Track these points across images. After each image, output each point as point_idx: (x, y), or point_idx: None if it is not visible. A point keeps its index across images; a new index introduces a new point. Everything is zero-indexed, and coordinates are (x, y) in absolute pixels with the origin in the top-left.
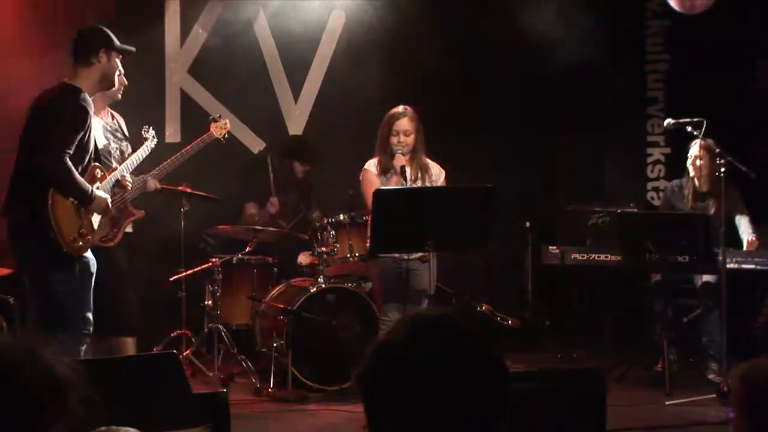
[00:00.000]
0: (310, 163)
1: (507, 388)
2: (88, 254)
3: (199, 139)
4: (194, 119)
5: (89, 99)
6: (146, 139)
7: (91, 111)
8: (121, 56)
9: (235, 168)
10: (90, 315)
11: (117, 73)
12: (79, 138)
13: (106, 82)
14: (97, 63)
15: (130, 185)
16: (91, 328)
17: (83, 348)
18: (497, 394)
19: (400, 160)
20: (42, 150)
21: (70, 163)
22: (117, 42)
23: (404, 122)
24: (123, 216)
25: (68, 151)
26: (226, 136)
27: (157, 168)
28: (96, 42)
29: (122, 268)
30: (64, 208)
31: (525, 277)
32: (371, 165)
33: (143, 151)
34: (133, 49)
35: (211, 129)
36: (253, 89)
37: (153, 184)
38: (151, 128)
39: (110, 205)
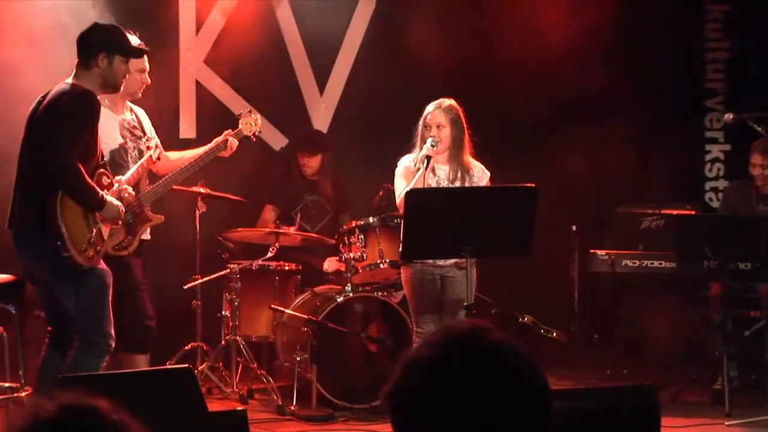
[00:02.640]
0: (318, 155)
1: (548, 409)
2: (102, 265)
3: (221, 138)
4: (211, 113)
5: (98, 100)
6: (149, 147)
7: (99, 113)
8: (128, 59)
9: (255, 166)
10: (111, 330)
11: (123, 76)
12: (86, 141)
13: (108, 87)
14: (96, 67)
15: (132, 196)
16: (113, 344)
17: (102, 365)
18: (538, 415)
19: (428, 150)
20: (52, 153)
21: (80, 167)
22: (125, 43)
23: (437, 114)
24: (139, 221)
25: (77, 152)
26: (258, 133)
27: (179, 169)
28: (97, 44)
29: (137, 280)
30: (74, 214)
31: (571, 285)
32: (407, 160)
33: (146, 162)
34: (144, 49)
35: (240, 125)
36: (275, 80)
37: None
38: (151, 140)
39: (122, 213)
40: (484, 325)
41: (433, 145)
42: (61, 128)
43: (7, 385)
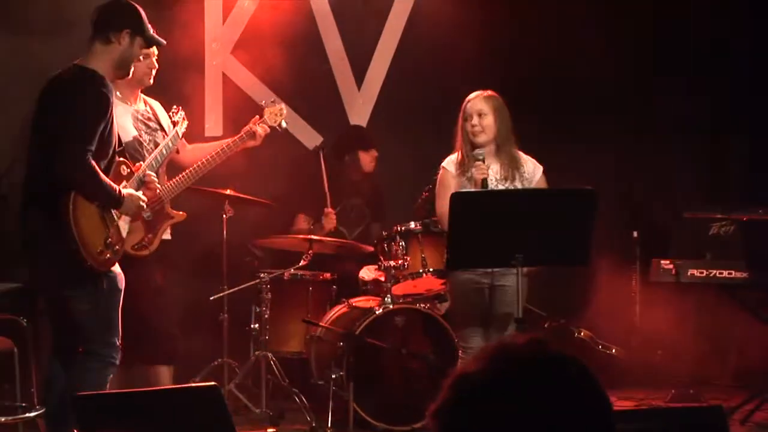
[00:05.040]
0: (377, 150)
1: (611, 431)
2: (115, 268)
3: (247, 127)
4: (239, 109)
5: (109, 84)
6: (175, 123)
7: (113, 97)
8: (146, 46)
9: (288, 167)
10: (117, 340)
11: (136, 60)
12: (100, 131)
13: (121, 69)
14: (117, 44)
15: (157, 186)
16: (119, 356)
17: (109, 379)
18: None
19: (481, 172)
20: (62, 150)
21: (94, 163)
22: (147, 28)
23: (476, 102)
24: (160, 219)
25: (91, 148)
26: (284, 124)
27: (190, 169)
28: (123, 20)
29: (158, 283)
30: (88, 214)
31: (632, 297)
32: (449, 163)
33: (172, 140)
34: (162, 41)
35: (264, 116)
36: (309, 73)
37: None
38: (180, 108)
39: (143, 205)
40: (541, 339)
41: (482, 159)
42: (74, 122)
43: (18, 404)
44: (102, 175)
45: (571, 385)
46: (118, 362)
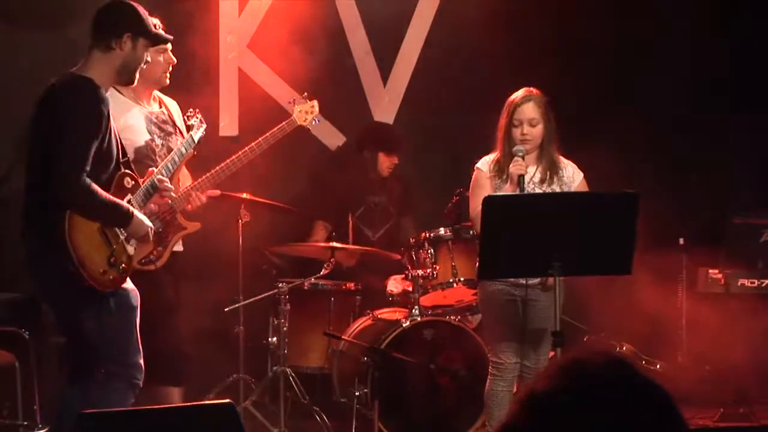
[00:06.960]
0: (398, 156)
1: None
2: (127, 284)
3: (276, 128)
4: (255, 106)
5: (105, 95)
6: (190, 126)
7: (108, 109)
8: (151, 46)
9: (308, 168)
10: (139, 360)
11: (140, 65)
12: (96, 146)
13: (124, 75)
14: (119, 49)
15: (172, 194)
16: (142, 377)
17: (131, 401)
18: None
19: (518, 168)
20: (54, 172)
21: (89, 182)
22: (149, 27)
23: (529, 108)
24: (171, 230)
25: (84, 168)
26: (316, 122)
27: (208, 175)
28: (122, 23)
29: (168, 299)
30: (87, 232)
31: (678, 309)
32: (484, 163)
33: (186, 146)
34: (169, 37)
35: (293, 114)
36: (331, 68)
37: (197, 199)
38: (197, 112)
39: (150, 232)
40: (621, 359)
41: (523, 157)
42: (66, 140)
43: (20, 422)
44: (102, 194)
45: (653, 412)
46: (141, 383)
